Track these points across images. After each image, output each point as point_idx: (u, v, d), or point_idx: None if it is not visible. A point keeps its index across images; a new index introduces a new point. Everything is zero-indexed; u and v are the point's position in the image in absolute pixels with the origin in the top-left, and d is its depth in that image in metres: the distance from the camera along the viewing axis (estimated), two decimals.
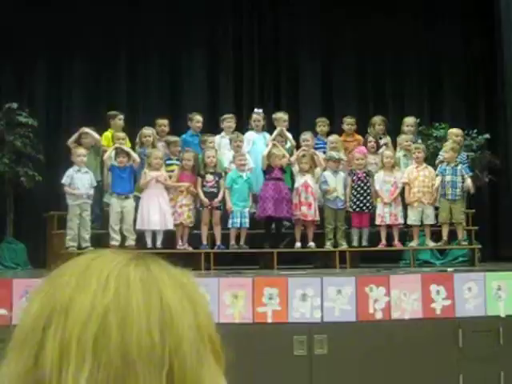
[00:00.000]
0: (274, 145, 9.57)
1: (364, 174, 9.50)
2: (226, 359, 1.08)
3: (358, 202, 9.48)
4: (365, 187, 9.46)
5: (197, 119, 10.23)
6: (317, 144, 10.09)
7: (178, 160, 9.48)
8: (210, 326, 1.07)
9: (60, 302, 0.99)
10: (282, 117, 10.26)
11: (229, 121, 10.15)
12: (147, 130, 9.72)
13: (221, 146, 9.94)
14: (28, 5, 11.26)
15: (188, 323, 1.01)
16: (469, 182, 9.34)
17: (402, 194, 9.55)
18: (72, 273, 1.03)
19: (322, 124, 10.51)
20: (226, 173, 9.45)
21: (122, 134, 9.55)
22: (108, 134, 9.81)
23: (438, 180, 9.34)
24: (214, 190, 9.19)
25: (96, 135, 9.52)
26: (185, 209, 9.03)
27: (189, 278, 1.09)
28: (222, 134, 10.14)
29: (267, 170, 9.36)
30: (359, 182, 9.48)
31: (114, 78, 11.94)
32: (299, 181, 9.44)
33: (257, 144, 10.05)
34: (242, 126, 10.46)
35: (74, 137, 9.37)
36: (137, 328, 0.97)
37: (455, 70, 12.52)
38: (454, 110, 12.33)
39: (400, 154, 10.02)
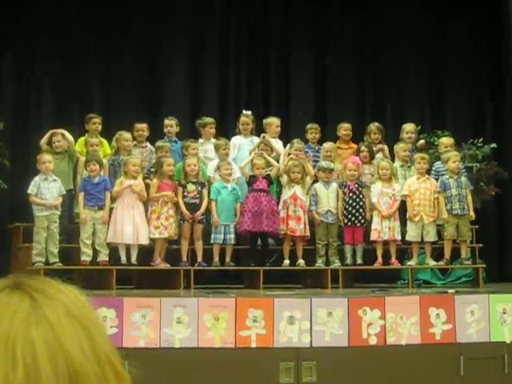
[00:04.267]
0: (255, 155, 9.60)
1: (356, 186, 9.48)
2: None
3: (350, 216, 9.46)
4: (357, 199, 9.45)
5: (166, 123, 10.19)
6: (306, 152, 10.06)
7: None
8: (111, 354, 1.11)
9: None
10: (274, 122, 10.27)
11: (211, 127, 10.13)
12: (128, 134, 9.72)
13: (205, 153, 9.95)
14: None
15: (93, 372, 1.06)
16: (469, 198, 9.44)
17: (399, 208, 9.56)
18: None
19: (314, 131, 10.54)
20: (209, 182, 9.39)
21: (95, 140, 9.61)
22: (82, 139, 9.86)
23: (441, 194, 9.40)
24: (196, 201, 9.11)
25: (69, 137, 9.51)
26: (171, 220, 8.96)
27: (82, 302, 1.14)
28: (201, 140, 10.12)
29: (250, 181, 9.39)
30: (351, 194, 9.45)
31: (86, 77, 11.93)
32: (287, 192, 9.41)
33: (243, 150, 10.05)
34: (228, 131, 10.55)
35: (46, 137, 9.41)
36: None
37: (460, 73, 12.61)
38: (457, 116, 12.42)
39: (397, 164, 10.05)
